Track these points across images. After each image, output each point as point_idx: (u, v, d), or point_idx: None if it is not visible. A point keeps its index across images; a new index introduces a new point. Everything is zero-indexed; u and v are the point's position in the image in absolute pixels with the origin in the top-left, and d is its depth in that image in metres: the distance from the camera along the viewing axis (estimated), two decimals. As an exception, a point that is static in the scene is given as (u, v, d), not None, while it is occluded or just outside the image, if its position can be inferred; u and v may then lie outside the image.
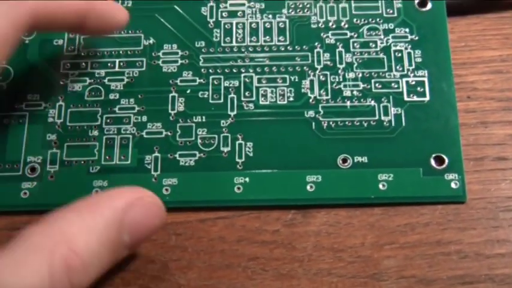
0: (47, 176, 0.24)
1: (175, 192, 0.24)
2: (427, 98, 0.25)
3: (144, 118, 0.25)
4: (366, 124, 0.25)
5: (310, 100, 0.25)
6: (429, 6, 0.26)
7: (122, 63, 0.26)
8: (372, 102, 0.25)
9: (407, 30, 0.26)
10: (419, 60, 0.26)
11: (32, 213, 0.24)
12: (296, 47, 0.26)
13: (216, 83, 0.26)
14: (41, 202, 0.24)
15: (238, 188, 0.24)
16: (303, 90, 0.25)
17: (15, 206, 0.24)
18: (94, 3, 0.23)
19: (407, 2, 0.27)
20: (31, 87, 0.26)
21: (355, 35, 0.26)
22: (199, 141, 0.25)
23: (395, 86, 0.25)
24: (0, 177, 0.25)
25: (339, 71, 0.26)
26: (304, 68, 0.26)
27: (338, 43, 0.26)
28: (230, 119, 0.25)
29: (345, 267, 0.23)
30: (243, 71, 0.26)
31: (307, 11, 0.27)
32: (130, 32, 0.26)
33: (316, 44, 0.26)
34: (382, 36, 0.26)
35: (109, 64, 0.26)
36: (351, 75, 0.25)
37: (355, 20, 0.26)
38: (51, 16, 0.22)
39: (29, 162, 0.25)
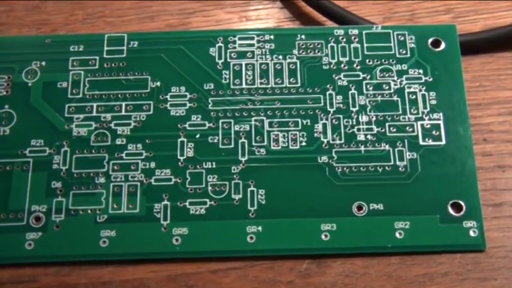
0: (52, 226, 0.23)
1: (185, 242, 0.23)
2: (443, 142, 0.24)
3: (153, 164, 0.24)
4: (380, 169, 0.24)
5: (323, 145, 0.24)
6: (443, 46, 0.26)
7: (128, 107, 0.25)
8: (387, 147, 0.24)
9: (421, 71, 0.26)
10: (434, 102, 0.25)
11: (36, 265, 0.23)
12: (308, 89, 0.25)
13: (226, 127, 0.25)
14: (46, 253, 0.23)
15: (251, 238, 0.23)
16: (315, 135, 0.25)
17: (19, 257, 0.23)
18: None
19: (421, 42, 0.26)
20: (35, 132, 0.25)
21: (368, 77, 0.26)
22: (209, 188, 0.24)
23: (410, 129, 0.25)
24: (3, 227, 0.24)
25: (352, 114, 0.25)
26: (317, 111, 0.25)
27: (350, 85, 0.25)
28: (241, 164, 0.24)
29: (362, 321, 0.22)
30: (254, 114, 0.25)
31: (318, 51, 0.26)
32: (136, 74, 0.26)
33: (328, 85, 0.25)
34: (395, 78, 0.25)
35: (115, 108, 0.25)
36: (365, 118, 0.25)
37: (367, 60, 0.26)
38: None
39: (33, 212, 0.24)
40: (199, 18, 0.28)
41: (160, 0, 0.29)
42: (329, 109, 0.25)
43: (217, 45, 0.26)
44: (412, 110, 0.25)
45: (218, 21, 0.28)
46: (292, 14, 0.28)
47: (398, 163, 0.24)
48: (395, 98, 0.25)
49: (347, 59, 0.26)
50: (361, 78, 0.26)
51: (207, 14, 0.28)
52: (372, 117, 0.25)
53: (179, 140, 0.25)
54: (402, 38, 0.26)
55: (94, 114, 0.25)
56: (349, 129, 0.25)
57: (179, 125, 0.25)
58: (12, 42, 0.26)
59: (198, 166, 0.24)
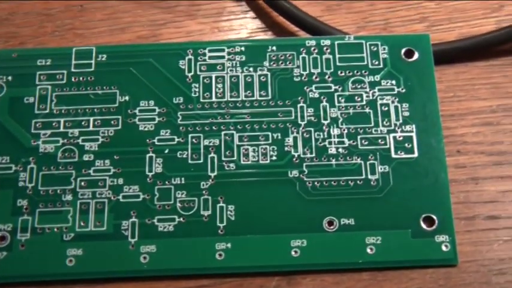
0: (17, 245, 0.23)
1: (154, 260, 0.23)
2: (416, 155, 0.24)
3: (121, 181, 0.24)
4: (352, 184, 0.24)
5: (294, 159, 0.24)
6: (416, 56, 0.26)
7: (96, 122, 0.25)
8: (359, 160, 0.24)
9: (393, 82, 0.25)
10: (406, 114, 0.25)
11: (2, 286, 0.23)
12: (278, 101, 0.25)
13: (195, 141, 0.24)
14: (11, 274, 0.23)
15: (220, 255, 0.23)
16: (286, 148, 0.24)
17: (-16, 278, 0.23)
18: None
19: (394, 52, 0.25)
20: (0, 148, 0.24)
21: (340, 88, 0.25)
22: (178, 204, 0.24)
23: (382, 142, 0.24)
24: (-32, 247, 0.23)
25: (324, 127, 0.25)
26: (287, 124, 0.25)
27: (322, 97, 0.25)
28: (210, 180, 0.24)
29: None
30: (224, 128, 0.25)
31: (289, 63, 0.26)
32: (105, 88, 0.25)
33: (299, 98, 0.25)
34: (367, 89, 0.25)
35: (83, 123, 0.25)
36: (336, 131, 0.25)
37: (339, 72, 0.25)
38: None
39: (-1, 231, 0.23)
40: (171, 29, 0.28)
41: (131, 11, 0.28)
42: (300, 122, 0.25)
43: (187, 57, 0.26)
44: (384, 122, 0.25)
45: (189, 33, 0.28)
46: (265, 24, 0.28)
47: (370, 177, 0.24)
48: (367, 110, 0.25)
49: (319, 70, 0.25)
50: (333, 90, 0.25)
51: (179, 25, 0.28)
52: (344, 130, 0.25)
53: (148, 155, 0.24)
54: (375, 49, 0.26)
55: (61, 129, 0.25)
56: (320, 143, 0.24)
57: (148, 140, 0.25)
58: (-23, 57, 0.26)
59: (166, 182, 0.24)
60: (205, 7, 0.28)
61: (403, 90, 0.25)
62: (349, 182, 0.24)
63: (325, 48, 0.26)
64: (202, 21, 0.28)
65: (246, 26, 0.28)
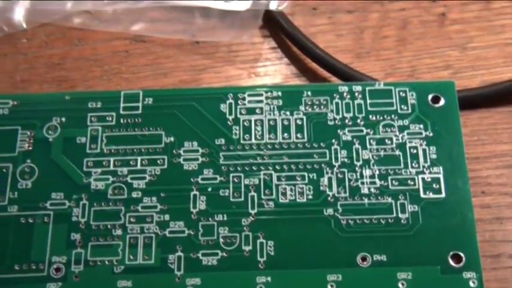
0: (71, 277, 0.25)
1: (198, 292, 0.24)
2: (443, 195, 0.26)
3: (167, 217, 0.26)
4: (383, 222, 0.25)
5: (329, 198, 0.26)
6: (442, 102, 0.27)
7: (143, 161, 0.27)
8: (389, 200, 0.26)
9: (421, 126, 0.27)
10: (434, 156, 0.26)
11: (56, 315, 0.24)
12: (314, 144, 0.27)
13: (236, 180, 0.26)
14: (66, 303, 0.24)
15: (261, 288, 0.24)
16: (321, 188, 0.26)
17: (41, 307, 0.24)
18: None
19: (421, 98, 0.27)
20: (55, 185, 0.26)
21: (371, 132, 0.27)
22: (221, 240, 0.25)
23: (412, 183, 0.26)
24: (25, 278, 0.25)
25: (356, 168, 0.26)
26: (322, 165, 0.26)
27: (355, 140, 0.27)
28: (251, 217, 0.26)
29: None
30: (263, 168, 0.26)
31: (323, 107, 0.27)
32: (151, 129, 0.27)
33: (333, 140, 0.27)
34: (397, 133, 0.27)
35: (131, 162, 0.26)
36: (368, 172, 0.26)
37: (370, 116, 0.27)
38: None
39: (54, 263, 0.25)
40: (211, 74, 0.30)
41: (173, 57, 0.30)
42: (334, 163, 0.26)
43: (227, 101, 0.28)
44: (413, 164, 0.26)
45: (228, 78, 0.30)
46: (299, 70, 0.30)
47: (400, 215, 0.25)
48: (397, 152, 0.26)
49: (351, 114, 0.27)
50: (364, 133, 0.27)
51: (218, 70, 0.30)
52: (375, 171, 0.26)
53: (192, 193, 0.26)
54: (403, 95, 0.27)
55: (111, 168, 0.27)
56: (353, 183, 0.26)
57: (192, 179, 0.26)
58: (34, 99, 0.28)
59: (210, 218, 0.26)
60: (243, 53, 0.30)
61: (431, 134, 0.27)
62: (381, 220, 0.25)
63: (356, 93, 0.28)
64: (240, 66, 0.30)
65: (280, 72, 0.30)
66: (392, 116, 0.27)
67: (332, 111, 0.27)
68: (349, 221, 0.25)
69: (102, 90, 0.29)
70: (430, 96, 0.27)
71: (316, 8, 0.31)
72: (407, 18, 0.31)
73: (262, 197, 0.26)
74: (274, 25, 0.30)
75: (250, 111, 0.27)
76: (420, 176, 0.26)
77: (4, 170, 0.26)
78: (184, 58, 0.30)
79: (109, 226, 0.26)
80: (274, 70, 0.30)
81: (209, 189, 0.26)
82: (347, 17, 0.31)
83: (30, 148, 0.27)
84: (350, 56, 0.30)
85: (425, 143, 0.27)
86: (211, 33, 0.30)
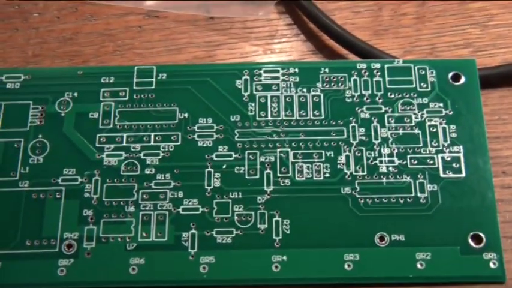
0: (83, 253, 0.24)
1: (212, 270, 0.24)
2: (463, 175, 0.25)
3: (181, 194, 0.25)
4: (402, 201, 0.25)
5: (346, 176, 0.25)
6: (462, 80, 0.27)
7: (157, 138, 0.26)
8: (408, 179, 0.25)
9: (441, 104, 0.26)
10: (454, 135, 0.26)
11: (68, 291, 0.24)
12: (331, 121, 0.26)
13: (251, 158, 0.26)
14: (78, 280, 0.24)
15: (276, 267, 0.24)
16: (338, 166, 0.25)
17: (52, 284, 0.24)
18: None
19: (441, 76, 0.27)
20: (67, 161, 0.26)
21: (390, 110, 0.26)
22: (236, 218, 0.25)
23: (431, 162, 0.25)
24: (36, 254, 0.24)
25: (374, 147, 0.26)
26: (340, 143, 0.26)
27: (373, 118, 0.26)
28: (267, 195, 0.25)
29: None
30: (279, 145, 0.26)
31: (341, 84, 0.27)
32: (165, 105, 0.26)
33: (351, 118, 0.26)
34: (416, 111, 0.26)
35: (144, 138, 0.26)
36: (387, 150, 0.26)
37: (389, 94, 0.26)
38: None
39: (66, 239, 0.25)
40: (225, 50, 0.29)
41: (187, 33, 0.29)
42: (352, 141, 0.26)
43: (243, 77, 0.27)
44: (432, 143, 0.26)
45: (243, 54, 0.29)
46: (316, 47, 0.29)
47: (419, 195, 0.25)
48: (416, 130, 0.26)
49: (369, 92, 0.27)
50: (383, 111, 0.26)
51: (232, 46, 0.29)
52: (394, 149, 0.26)
53: (206, 170, 0.25)
54: (423, 72, 0.27)
55: (124, 144, 0.26)
56: (371, 161, 0.25)
57: (206, 156, 0.26)
58: (46, 74, 0.27)
59: (224, 196, 0.25)
60: (258, 30, 0.30)
61: (451, 113, 0.26)
62: (400, 199, 0.25)
63: (375, 71, 0.27)
64: (255, 43, 0.29)
65: (297, 49, 0.29)
66: (412, 94, 0.27)
67: (350, 88, 0.27)
68: (367, 200, 0.25)
69: (115, 65, 0.28)
70: (450, 74, 0.27)
71: (333, -16, 0.30)
72: (426, -5, 0.30)
73: (278, 174, 0.25)
74: (290, 1, 0.30)
75: (266, 87, 0.27)
76: (440, 155, 0.25)
77: (16, 145, 0.26)
78: (199, 34, 0.29)
79: (122, 203, 0.25)
80: (290, 47, 0.29)
81: (224, 166, 0.26)
82: (365, -7, 0.30)
83: (42, 123, 0.26)
84: (368, 34, 0.29)
85: (445, 121, 0.26)
86: (226, 9, 0.30)
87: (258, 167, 0.25)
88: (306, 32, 0.29)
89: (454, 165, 0.25)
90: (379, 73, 0.27)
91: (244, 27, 0.30)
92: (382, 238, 0.24)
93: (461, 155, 0.25)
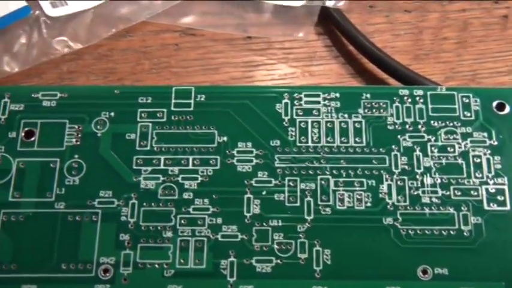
0: (120, 279, 0.24)
1: (251, 300, 0.23)
2: (508, 208, 0.25)
3: (219, 220, 0.25)
4: (445, 233, 0.24)
5: (388, 206, 0.25)
6: (507, 109, 0.26)
7: (195, 161, 0.26)
8: (451, 210, 0.25)
9: (485, 134, 0.26)
10: (498, 166, 0.25)
11: (104, 318, 0.23)
12: (373, 149, 0.26)
13: (292, 184, 0.25)
14: (114, 307, 0.23)
15: (317, 298, 0.23)
16: (380, 196, 0.25)
17: (88, 309, 0.23)
18: None
19: (485, 104, 0.26)
20: (103, 183, 0.25)
21: (433, 138, 0.26)
22: (275, 246, 0.24)
23: (475, 193, 0.25)
24: (72, 278, 0.24)
25: (417, 176, 0.25)
26: (381, 171, 0.25)
27: (415, 146, 0.26)
28: (307, 223, 0.24)
29: None
30: (319, 172, 0.25)
31: (383, 111, 0.26)
32: (203, 127, 0.26)
33: (393, 146, 0.26)
34: (460, 140, 0.26)
35: (182, 161, 0.25)
36: (429, 180, 0.25)
37: (432, 122, 0.26)
38: None
39: (102, 263, 0.24)
40: (263, 71, 0.29)
41: (224, 52, 0.29)
42: (394, 170, 0.25)
43: (283, 101, 0.27)
44: (476, 174, 0.25)
45: (281, 76, 0.29)
46: (355, 70, 0.29)
47: (463, 227, 0.24)
48: (459, 161, 0.25)
49: (412, 119, 0.26)
50: (425, 139, 0.26)
51: (270, 67, 0.29)
52: (437, 179, 0.25)
53: (246, 196, 0.25)
54: (467, 100, 0.26)
55: (162, 167, 0.25)
56: (414, 191, 0.25)
57: (246, 181, 0.25)
58: (82, 92, 0.27)
59: (264, 223, 0.25)
60: (297, 51, 0.29)
61: (495, 143, 0.26)
62: (443, 231, 0.24)
63: (417, 98, 0.26)
64: (293, 64, 0.29)
65: (336, 71, 0.29)
66: (455, 122, 0.26)
67: (392, 115, 0.26)
68: (410, 231, 0.24)
69: (153, 85, 0.28)
70: (494, 103, 0.26)
71: (372, 6, 0.30)
72: (468, 19, 0.29)
73: (319, 202, 0.25)
74: (329, 22, 0.29)
75: (307, 112, 0.26)
76: (484, 187, 0.25)
77: (51, 165, 0.25)
78: (236, 54, 0.29)
79: (159, 228, 0.25)
80: (329, 69, 0.29)
81: (263, 193, 0.25)
82: (405, 16, 0.30)
83: (78, 143, 0.26)
84: (408, 57, 0.29)
85: (489, 152, 0.25)
86: (264, 28, 0.29)
87: (299, 194, 0.25)
88: (345, 55, 0.29)
89: (498, 197, 0.25)
90: (421, 100, 0.26)
91: (282, 47, 0.29)
92: (425, 271, 0.24)
93: (505, 187, 0.25)
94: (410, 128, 0.26)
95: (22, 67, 0.28)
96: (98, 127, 0.26)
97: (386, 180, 0.25)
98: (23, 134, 0.26)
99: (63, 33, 0.28)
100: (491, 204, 0.25)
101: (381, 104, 0.27)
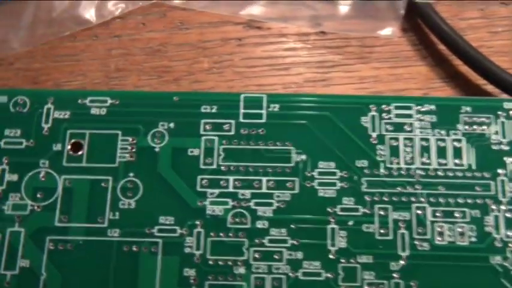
0: (186, 322, 0.20)
1: None
2: None
3: (299, 255, 0.21)
4: None
5: (496, 242, 0.21)
6: None
7: (269, 183, 0.22)
8: None
9: None
10: None
11: None
12: (475, 173, 0.22)
13: (382, 213, 0.21)
14: None
15: None
16: (486, 229, 0.21)
17: None
18: None
19: None
20: (163, 207, 0.22)
21: (546, 161, 0.22)
22: (366, 287, 0.21)
23: None
24: (131, 319, 0.20)
25: (528, 206, 0.21)
26: (486, 200, 0.22)
27: (525, 170, 0.22)
28: (402, 261, 0.21)
29: None
30: (414, 200, 0.22)
31: (486, 127, 0.22)
32: (278, 143, 0.22)
33: (498, 170, 0.22)
34: None
35: (255, 184, 0.22)
36: (542, 213, 0.21)
37: (544, 144, 0.22)
38: None
39: (165, 303, 0.21)
40: (340, 73, 0.25)
41: (295, 50, 0.25)
42: (501, 198, 0.22)
43: (369, 113, 0.23)
44: None
45: (362, 78, 0.25)
46: (446, 73, 0.26)
47: None
48: None
49: (520, 138, 0.22)
50: (537, 162, 0.22)
51: (349, 68, 0.25)
52: (551, 213, 0.21)
53: (329, 226, 0.21)
54: None
55: (231, 189, 0.22)
56: (524, 224, 0.21)
57: (329, 209, 0.22)
58: (136, 98, 0.23)
59: (351, 260, 0.21)
60: (379, 50, 0.25)
61: None
62: (560, 274, 0.21)
63: (526, 112, 0.23)
64: (375, 65, 0.25)
65: (424, 75, 0.25)
66: None
67: (497, 133, 0.22)
68: (522, 273, 0.21)
69: (217, 92, 0.24)
70: None
71: (465, -4, 0.26)
72: None
73: (415, 236, 0.21)
74: (416, 18, 0.25)
75: (398, 127, 0.23)
76: None
77: (103, 184, 0.22)
78: (308, 51, 0.25)
79: (229, 262, 0.21)
80: (416, 72, 0.25)
81: (350, 223, 0.21)
82: (502, 10, 0.25)
83: (133, 158, 0.22)
84: (508, 60, 0.25)
85: None
86: (341, 24, 0.25)
87: (391, 225, 0.21)
88: (435, 55, 0.25)
89: None
90: (531, 115, 0.23)
91: (362, 45, 0.25)
92: (539, 320, 0.20)
93: None
94: (519, 149, 0.22)
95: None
96: (155, 140, 0.22)
97: (493, 210, 0.22)
98: (69, 146, 0.22)
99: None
100: None
101: (483, 119, 0.23)
